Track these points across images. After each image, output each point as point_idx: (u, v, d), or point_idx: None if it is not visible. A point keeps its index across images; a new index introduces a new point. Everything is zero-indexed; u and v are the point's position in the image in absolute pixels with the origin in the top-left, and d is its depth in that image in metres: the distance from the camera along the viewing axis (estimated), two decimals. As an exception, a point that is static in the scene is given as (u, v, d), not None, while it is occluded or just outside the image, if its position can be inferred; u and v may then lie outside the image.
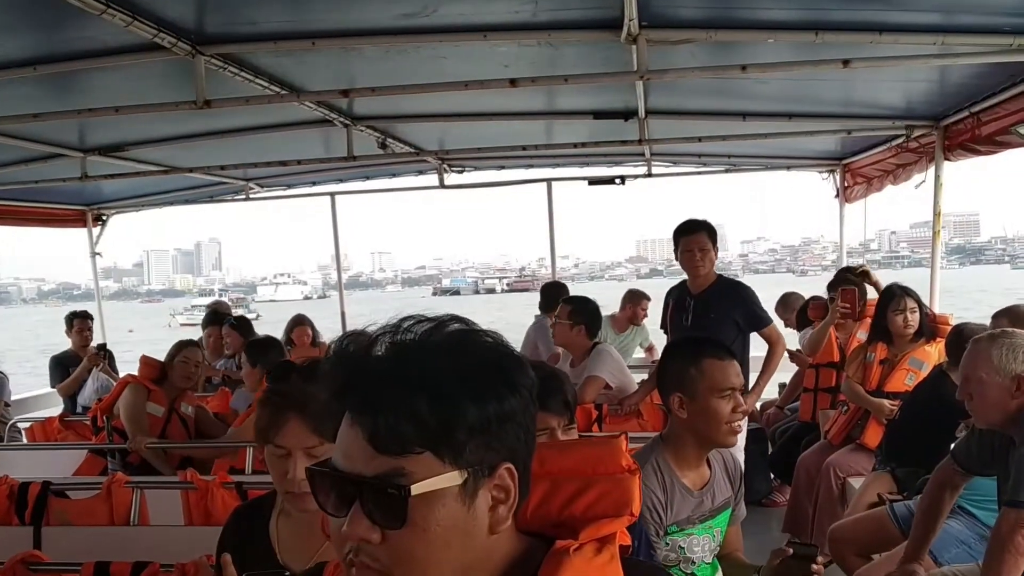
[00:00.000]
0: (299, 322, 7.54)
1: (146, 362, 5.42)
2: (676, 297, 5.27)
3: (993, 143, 5.06)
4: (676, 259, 5.20)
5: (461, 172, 8.98)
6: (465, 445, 1.03)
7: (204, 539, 2.99)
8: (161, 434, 5.10)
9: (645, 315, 7.66)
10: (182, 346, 5.39)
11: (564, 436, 2.42)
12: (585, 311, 5.27)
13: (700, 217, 5.19)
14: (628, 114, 5.77)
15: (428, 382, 1.03)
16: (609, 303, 7.40)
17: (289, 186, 9.45)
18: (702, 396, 2.61)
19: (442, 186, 8.74)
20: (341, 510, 1.05)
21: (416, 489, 1.01)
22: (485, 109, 6.22)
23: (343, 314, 9.72)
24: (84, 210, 9.08)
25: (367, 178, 9.29)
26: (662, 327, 5.60)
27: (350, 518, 1.04)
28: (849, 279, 6.02)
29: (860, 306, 5.77)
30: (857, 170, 7.87)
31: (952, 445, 3.52)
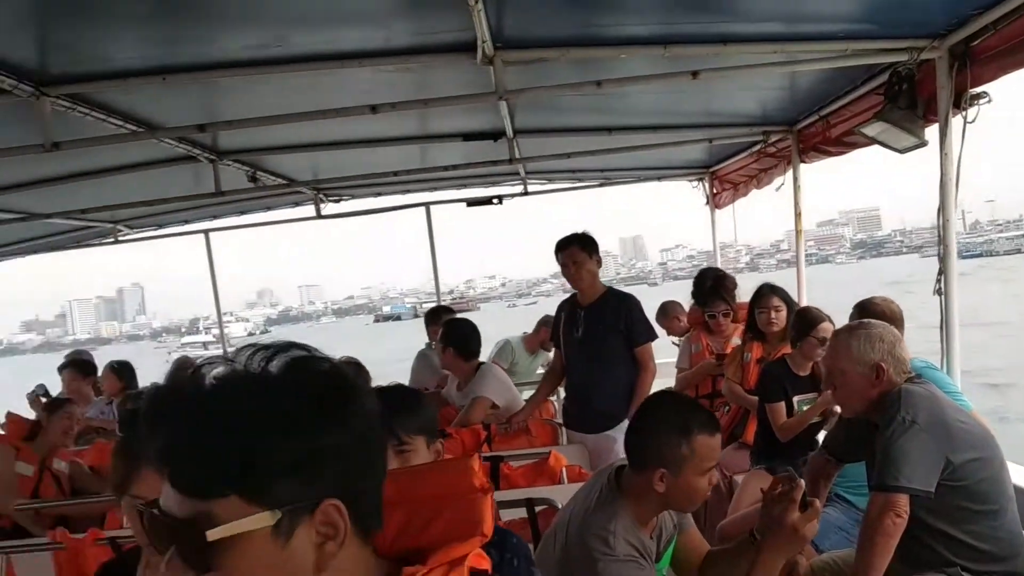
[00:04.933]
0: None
1: (12, 419, 5.18)
2: (567, 311, 5.27)
3: (842, 144, 5.33)
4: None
5: (338, 201, 8.91)
6: (275, 485, 0.99)
7: (73, 601, 2.85)
8: (33, 494, 4.85)
9: None
10: (60, 403, 5.23)
11: (429, 453, 2.39)
12: (453, 333, 5.26)
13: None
14: (497, 134, 5.82)
15: (231, 422, 0.98)
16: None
17: (160, 226, 9.18)
18: (687, 475, 2.48)
19: (319, 216, 8.65)
20: (165, 548, 1.03)
21: (213, 535, 0.97)
22: (355, 137, 6.17)
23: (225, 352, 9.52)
24: (-60, 265, 8.64)
25: (242, 213, 9.11)
26: (552, 339, 5.62)
27: (167, 560, 1.01)
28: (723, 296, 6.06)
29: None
30: (723, 176, 8.16)
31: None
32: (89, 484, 5.19)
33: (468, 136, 5.89)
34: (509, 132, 5.66)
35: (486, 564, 1.22)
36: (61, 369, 7.19)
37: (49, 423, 5.00)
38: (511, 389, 5.39)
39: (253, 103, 4.74)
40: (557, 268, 5.22)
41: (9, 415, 5.34)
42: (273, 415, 0.99)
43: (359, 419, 1.06)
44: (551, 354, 7.62)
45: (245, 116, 4.60)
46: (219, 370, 1.03)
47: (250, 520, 0.98)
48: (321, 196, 8.49)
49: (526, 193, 8.67)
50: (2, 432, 5.06)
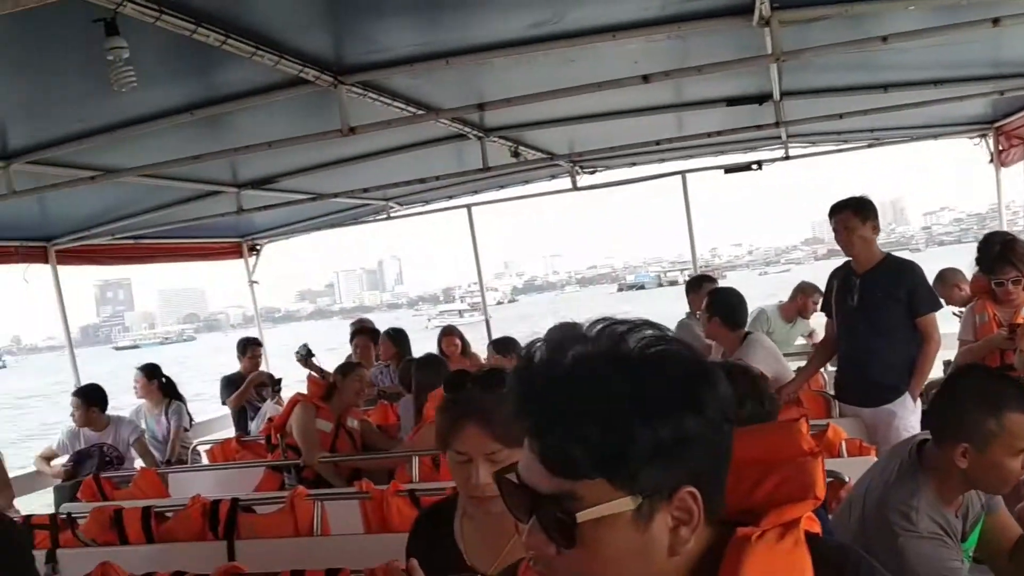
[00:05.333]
0: (448, 332, 7.75)
1: (314, 381, 5.73)
2: (841, 278, 5.07)
3: None
4: None
5: (593, 173, 9.01)
6: (639, 471, 1.00)
7: (384, 545, 3.12)
8: (331, 448, 5.34)
9: (815, 308, 7.39)
10: (352, 367, 5.72)
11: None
12: (718, 302, 5.19)
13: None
14: (762, 98, 5.64)
15: (600, 406, 1.00)
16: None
17: (426, 202, 9.71)
18: (994, 453, 2.34)
19: (575, 188, 8.79)
20: (524, 517, 1.08)
21: (582, 516, 1.01)
22: (614, 108, 6.22)
23: (487, 322, 9.97)
24: (240, 242, 9.63)
25: (501, 187, 9.44)
26: (823, 309, 5.44)
27: (528, 529, 1.06)
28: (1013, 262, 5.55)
29: None
30: (1012, 132, 7.44)
31: None
32: (377, 440, 5.64)
33: (732, 101, 5.76)
34: (776, 95, 5.47)
35: (817, 527, 1.19)
36: (353, 335, 7.81)
37: (343, 384, 5.47)
38: (780, 360, 5.26)
39: (521, 80, 4.89)
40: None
41: (310, 377, 5.92)
42: (644, 400, 1.00)
43: (716, 404, 1.05)
44: (810, 322, 7.37)
45: (514, 93, 4.74)
46: (582, 348, 1.05)
47: (616, 503, 1.01)
48: (577, 168, 8.62)
49: (787, 158, 8.34)
50: (305, 392, 5.57)
